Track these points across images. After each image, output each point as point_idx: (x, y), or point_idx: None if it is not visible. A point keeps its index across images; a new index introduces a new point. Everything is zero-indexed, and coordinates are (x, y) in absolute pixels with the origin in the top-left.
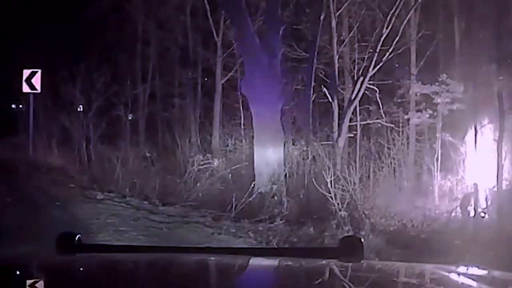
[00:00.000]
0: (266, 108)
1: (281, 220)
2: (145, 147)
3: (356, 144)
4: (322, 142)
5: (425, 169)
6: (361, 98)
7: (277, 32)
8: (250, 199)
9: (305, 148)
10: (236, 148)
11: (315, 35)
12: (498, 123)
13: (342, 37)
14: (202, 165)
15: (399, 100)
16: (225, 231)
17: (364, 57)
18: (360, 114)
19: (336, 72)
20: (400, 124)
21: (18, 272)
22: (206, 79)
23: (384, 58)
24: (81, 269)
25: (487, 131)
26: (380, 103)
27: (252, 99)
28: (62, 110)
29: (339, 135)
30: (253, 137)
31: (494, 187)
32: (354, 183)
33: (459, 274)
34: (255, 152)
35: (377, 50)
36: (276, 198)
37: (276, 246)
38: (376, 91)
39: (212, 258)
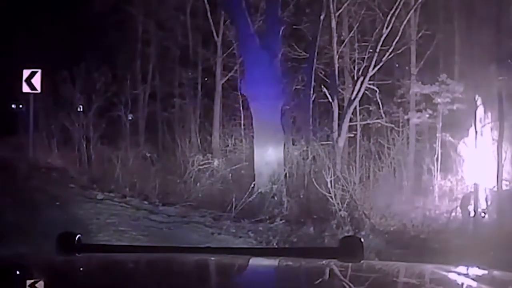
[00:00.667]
0: (266, 108)
1: (281, 220)
2: (145, 147)
3: (356, 144)
4: (322, 142)
5: (425, 169)
6: (361, 98)
7: (277, 32)
8: (250, 199)
9: (305, 148)
10: (236, 148)
11: (315, 35)
12: (498, 123)
13: (342, 37)
14: (202, 165)
15: (399, 100)
16: (225, 231)
17: (364, 57)
18: (360, 114)
19: (336, 72)
20: (400, 124)
21: (18, 272)
22: (206, 79)
23: (384, 58)
24: (81, 269)
25: (487, 131)
26: (380, 103)
27: (252, 99)
28: (62, 110)
29: (339, 135)
30: (253, 137)
31: (494, 187)
32: (354, 183)
33: (459, 274)
34: (255, 152)
35: (377, 50)
36: (276, 198)
37: (276, 246)
38: (376, 91)
39: (212, 258)
